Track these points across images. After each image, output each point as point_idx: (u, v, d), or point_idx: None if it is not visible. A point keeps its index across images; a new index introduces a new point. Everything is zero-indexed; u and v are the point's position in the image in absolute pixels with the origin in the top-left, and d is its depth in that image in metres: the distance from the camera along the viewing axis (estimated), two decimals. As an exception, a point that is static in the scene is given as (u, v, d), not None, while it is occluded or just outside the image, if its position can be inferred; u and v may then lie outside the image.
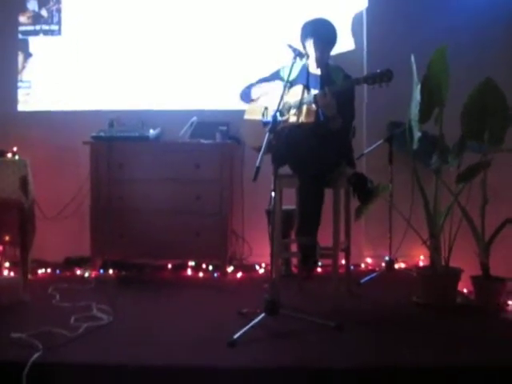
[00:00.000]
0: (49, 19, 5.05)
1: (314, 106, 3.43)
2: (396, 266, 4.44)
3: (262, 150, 2.90)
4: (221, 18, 4.88)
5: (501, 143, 3.57)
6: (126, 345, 2.75)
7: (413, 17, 4.54)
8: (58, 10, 5.04)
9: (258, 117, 3.66)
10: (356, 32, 4.80)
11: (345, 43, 4.59)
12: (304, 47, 3.59)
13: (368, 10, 4.74)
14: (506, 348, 2.73)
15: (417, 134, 3.57)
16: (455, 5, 4.50)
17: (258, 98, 3.73)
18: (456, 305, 3.48)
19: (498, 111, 3.53)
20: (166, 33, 4.92)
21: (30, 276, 3.76)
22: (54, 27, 5.04)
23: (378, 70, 3.25)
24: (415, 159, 3.71)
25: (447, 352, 2.67)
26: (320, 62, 3.62)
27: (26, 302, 3.45)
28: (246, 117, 3.79)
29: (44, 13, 5.05)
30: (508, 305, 3.57)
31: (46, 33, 5.05)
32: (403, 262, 4.53)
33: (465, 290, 3.85)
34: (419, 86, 3.51)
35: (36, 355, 2.50)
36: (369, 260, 4.67)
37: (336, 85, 3.46)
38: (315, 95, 3.41)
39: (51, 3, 5.04)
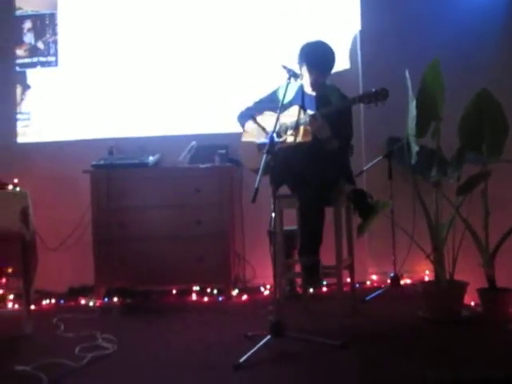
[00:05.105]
0: (45, 51, 5.10)
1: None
2: (401, 281, 4.41)
3: (260, 171, 2.89)
4: (217, 41, 4.92)
5: (500, 153, 3.56)
6: (132, 373, 2.74)
7: (405, 34, 4.58)
8: (55, 42, 5.09)
9: (256, 139, 3.67)
10: (351, 52, 4.84)
11: (341, 62, 4.60)
12: (300, 69, 3.59)
13: (361, 31, 4.79)
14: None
15: (415, 149, 3.56)
16: (446, 19, 4.54)
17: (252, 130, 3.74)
18: (462, 318, 3.44)
19: (495, 121, 3.54)
20: (161, 59, 4.95)
21: (33, 307, 3.74)
22: (51, 59, 5.10)
23: (374, 89, 3.23)
24: (415, 173, 3.71)
25: (456, 366, 2.64)
26: (314, 86, 3.61)
27: (30, 333, 3.42)
28: (244, 139, 3.79)
29: (40, 45, 5.10)
30: (516, 316, 3.54)
31: (43, 64, 5.11)
32: (408, 277, 4.49)
33: (472, 303, 3.82)
34: (415, 101, 3.52)
35: (41, 388, 2.49)
36: (374, 277, 4.63)
37: (327, 107, 3.44)
38: (310, 116, 3.41)
39: (47, 35, 5.10)
